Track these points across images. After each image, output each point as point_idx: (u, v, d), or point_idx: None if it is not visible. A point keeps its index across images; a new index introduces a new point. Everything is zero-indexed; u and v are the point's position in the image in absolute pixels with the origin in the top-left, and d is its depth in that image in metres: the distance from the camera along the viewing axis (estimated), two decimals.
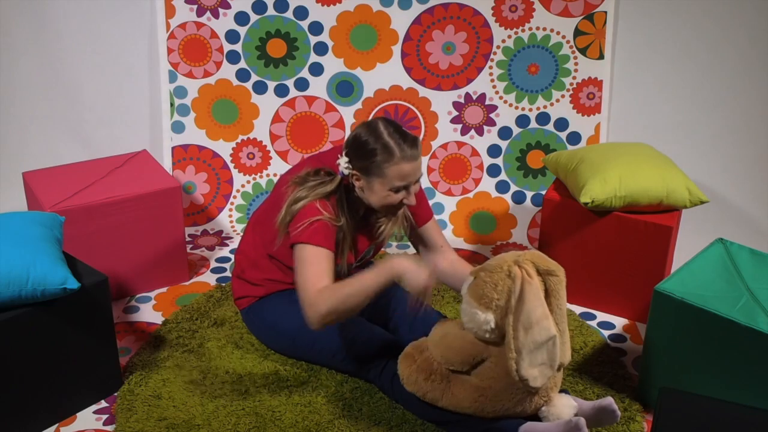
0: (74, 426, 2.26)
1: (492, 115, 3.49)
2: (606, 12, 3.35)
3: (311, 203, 2.20)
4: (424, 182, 3.49)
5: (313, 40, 3.43)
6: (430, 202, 3.48)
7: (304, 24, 3.41)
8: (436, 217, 3.44)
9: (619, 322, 2.82)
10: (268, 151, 3.50)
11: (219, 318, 2.72)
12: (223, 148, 3.48)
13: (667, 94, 3.46)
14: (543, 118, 3.47)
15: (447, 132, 3.51)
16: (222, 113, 3.46)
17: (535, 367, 1.97)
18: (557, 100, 3.45)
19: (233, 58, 3.42)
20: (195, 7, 3.36)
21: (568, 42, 3.40)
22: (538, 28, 3.40)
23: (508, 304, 1.97)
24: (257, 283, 2.47)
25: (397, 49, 3.44)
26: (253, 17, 3.40)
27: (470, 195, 3.50)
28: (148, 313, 2.80)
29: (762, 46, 3.33)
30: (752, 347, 2.06)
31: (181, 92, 3.42)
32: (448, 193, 3.51)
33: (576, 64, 3.41)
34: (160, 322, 2.73)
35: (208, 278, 3.04)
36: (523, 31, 3.41)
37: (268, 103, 3.47)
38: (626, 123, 3.47)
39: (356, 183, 2.24)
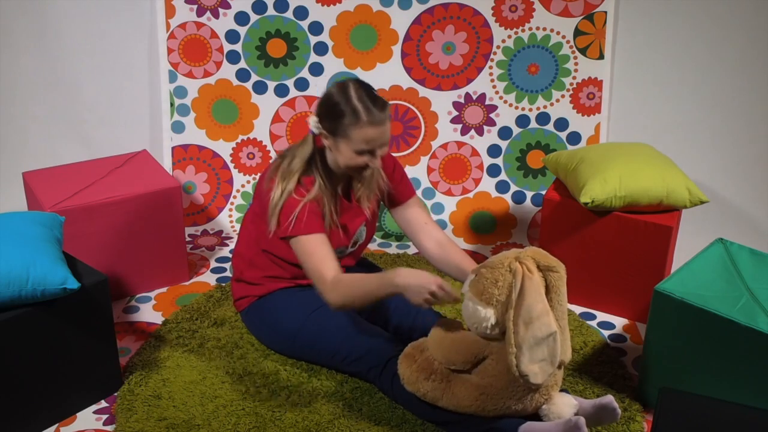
0: (74, 426, 2.26)
1: (492, 115, 3.49)
2: (606, 12, 3.35)
3: (290, 198, 2.26)
4: (425, 182, 3.50)
5: (313, 40, 3.43)
6: (430, 203, 3.50)
7: (304, 24, 3.41)
8: (436, 217, 3.46)
9: (619, 322, 2.82)
10: (268, 151, 3.50)
11: (219, 318, 2.72)
12: (223, 148, 3.48)
13: (667, 94, 3.46)
14: (543, 118, 3.47)
15: (447, 132, 3.51)
16: (222, 113, 3.46)
17: (536, 363, 1.97)
18: (557, 100, 3.45)
19: (233, 58, 3.42)
20: (195, 7, 3.36)
21: (568, 42, 3.40)
22: (538, 28, 3.40)
23: (508, 300, 1.97)
24: (256, 282, 2.48)
25: (397, 49, 3.44)
26: (253, 17, 3.39)
27: (470, 195, 3.50)
28: (148, 313, 2.80)
29: (762, 46, 3.33)
30: (752, 347, 2.06)
31: (181, 92, 3.42)
32: (448, 193, 3.51)
33: (576, 64, 3.41)
34: (160, 322, 2.73)
35: (208, 278, 3.04)
36: (523, 31, 3.41)
37: (268, 103, 3.47)
38: (626, 123, 3.46)
39: (324, 141, 2.28)
